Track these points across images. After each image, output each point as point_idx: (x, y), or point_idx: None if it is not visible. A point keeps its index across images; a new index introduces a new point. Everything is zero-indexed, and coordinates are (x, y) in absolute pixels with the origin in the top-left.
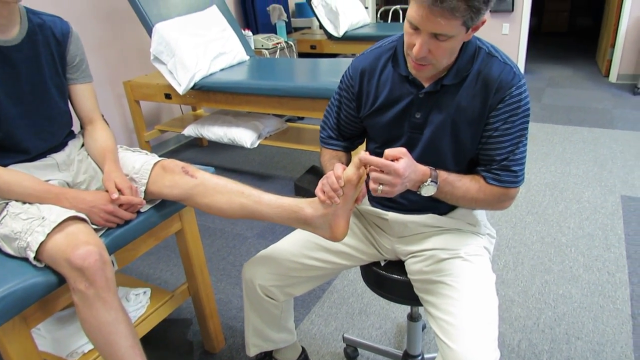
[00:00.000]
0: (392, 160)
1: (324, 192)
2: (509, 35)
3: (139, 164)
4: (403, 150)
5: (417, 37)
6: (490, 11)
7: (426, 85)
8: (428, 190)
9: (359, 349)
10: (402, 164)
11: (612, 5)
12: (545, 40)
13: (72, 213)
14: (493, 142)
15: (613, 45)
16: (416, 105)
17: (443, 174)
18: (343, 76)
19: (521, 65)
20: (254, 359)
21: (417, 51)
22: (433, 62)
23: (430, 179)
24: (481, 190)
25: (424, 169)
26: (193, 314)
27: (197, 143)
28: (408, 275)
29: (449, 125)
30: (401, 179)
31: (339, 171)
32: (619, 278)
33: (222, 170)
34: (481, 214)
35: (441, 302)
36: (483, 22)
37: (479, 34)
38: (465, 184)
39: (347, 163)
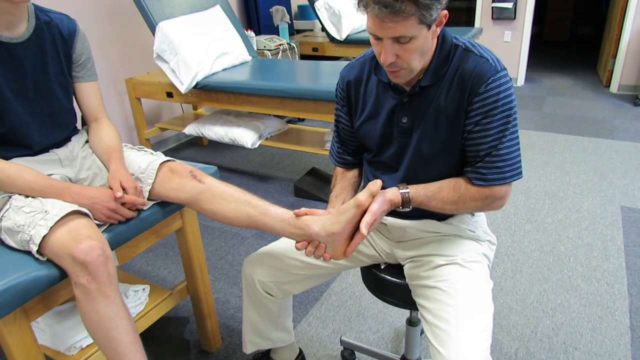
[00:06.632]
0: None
1: None
2: (510, 42)
3: (145, 164)
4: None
5: (381, 45)
6: (493, 18)
7: (407, 89)
8: (405, 211)
9: (356, 352)
10: (374, 207)
11: (615, 16)
12: (547, 49)
13: (75, 207)
14: (474, 137)
15: (615, 56)
16: (401, 110)
17: (417, 198)
18: (336, 89)
19: (522, 73)
20: (250, 358)
21: (384, 58)
22: (405, 66)
23: (401, 206)
24: (462, 198)
25: (390, 196)
26: (191, 312)
27: (197, 142)
28: (406, 280)
29: (433, 126)
30: (378, 215)
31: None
32: (617, 289)
33: (222, 170)
34: (481, 220)
35: (435, 308)
36: (446, 16)
37: (483, 40)
38: (442, 198)
39: (357, 189)
